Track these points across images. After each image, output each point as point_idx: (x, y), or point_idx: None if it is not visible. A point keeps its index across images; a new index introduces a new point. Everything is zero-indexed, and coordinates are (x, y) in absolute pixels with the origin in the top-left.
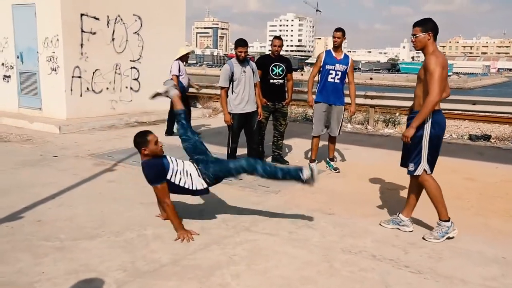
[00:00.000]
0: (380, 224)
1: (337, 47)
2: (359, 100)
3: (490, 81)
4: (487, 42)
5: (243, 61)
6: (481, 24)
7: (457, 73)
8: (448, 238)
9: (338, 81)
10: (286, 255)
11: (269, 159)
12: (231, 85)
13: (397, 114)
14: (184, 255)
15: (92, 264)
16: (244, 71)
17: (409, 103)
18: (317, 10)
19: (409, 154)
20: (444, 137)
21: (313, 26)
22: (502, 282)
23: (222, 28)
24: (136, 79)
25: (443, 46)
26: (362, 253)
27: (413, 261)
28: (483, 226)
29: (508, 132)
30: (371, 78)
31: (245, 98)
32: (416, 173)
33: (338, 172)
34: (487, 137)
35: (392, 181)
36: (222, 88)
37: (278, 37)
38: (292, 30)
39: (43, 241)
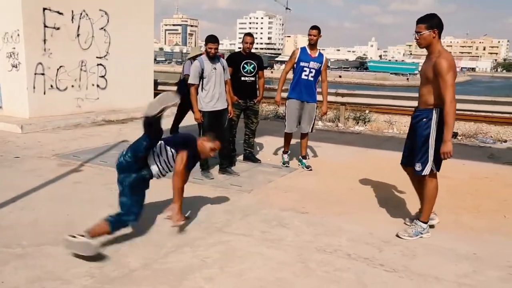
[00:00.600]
0: (405, 223)
1: (312, 45)
2: (330, 98)
3: None
4: (451, 42)
5: (214, 58)
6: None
7: None
8: (421, 237)
9: (312, 78)
10: (260, 256)
11: (240, 158)
12: (201, 82)
13: (367, 111)
14: (155, 258)
15: (57, 271)
16: (215, 68)
17: (379, 101)
18: (286, 8)
19: (416, 154)
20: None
21: (282, 24)
22: (474, 279)
23: (191, 25)
24: (103, 77)
25: (410, 45)
26: (337, 252)
27: (388, 259)
28: (455, 223)
29: (473, 129)
30: (340, 76)
31: (215, 96)
32: (424, 173)
33: (311, 170)
34: (454, 134)
35: (365, 179)
36: (192, 85)
37: (249, 34)
38: (261, 28)
39: (2, 248)
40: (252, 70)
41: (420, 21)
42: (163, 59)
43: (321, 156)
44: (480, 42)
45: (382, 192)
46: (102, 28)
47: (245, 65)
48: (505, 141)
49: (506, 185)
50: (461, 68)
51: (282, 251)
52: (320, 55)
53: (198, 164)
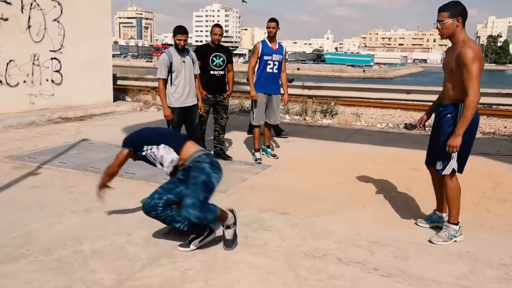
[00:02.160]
0: (416, 224)
1: (272, 37)
2: (297, 91)
3: (408, 71)
4: (403, 34)
5: (183, 50)
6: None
7: (378, 63)
8: (455, 241)
9: (276, 71)
10: (246, 264)
11: None
12: (169, 76)
13: (332, 104)
14: (130, 273)
15: None
16: (184, 61)
17: (346, 93)
18: (243, 1)
19: (438, 152)
20: (381, 127)
21: (239, 17)
22: (473, 280)
23: (147, 18)
24: (57, 71)
25: (364, 38)
26: (327, 256)
27: (381, 263)
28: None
29: None
30: (298, 69)
31: (185, 91)
32: (445, 172)
33: (277, 158)
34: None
35: (341, 174)
36: (160, 79)
37: (218, 25)
38: (218, 21)
39: None
40: (222, 64)
41: (442, 9)
42: (118, 53)
43: (293, 151)
44: (430, 34)
45: (360, 188)
46: (55, 19)
47: (214, 58)
48: None
49: (482, 177)
50: (414, 59)
51: (269, 258)
52: (280, 46)
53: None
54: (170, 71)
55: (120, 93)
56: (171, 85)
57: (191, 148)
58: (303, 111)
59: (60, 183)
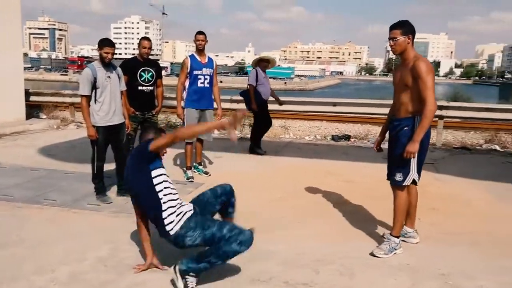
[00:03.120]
0: (383, 236)
1: (201, 51)
2: (226, 105)
3: (326, 83)
4: (321, 48)
5: (108, 65)
6: (316, 31)
7: (298, 75)
8: (395, 254)
9: (208, 85)
10: None
11: None
12: (93, 93)
13: None
14: None
15: None
16: (109, 77)
17: (274, 107)
18: (163, 13)
19: (396, 163)
20: (309, 139)
21: (160, 29)
22: None
23: (60, 29)
24: None
25: (284, 51)
26: (272, 280)
27: (328, 282)
28: (377, 231)
29: (362, 130)
30: (221, 81)
31: (111, 109)
32: (405, 183)
33: (209, 175)
34: (347, 137)
35: (276, 190)
36: (83, 96)
37: (146, 38)
38: (138, 33)
39: None
40: (150, 79)
41: (394, 27)
42: (29, 65)
43: (225, 167)
44: (345, 48)
45: (298, 203)
46: None
47: (142, 73)
48: None
49: None
50: (331, 72)
51: (213, 285)
52: (210, 59)
53: (92, 188)
54: (94, 87)
55: (33, 110)
56: (95, 102)
57: None
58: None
59: None
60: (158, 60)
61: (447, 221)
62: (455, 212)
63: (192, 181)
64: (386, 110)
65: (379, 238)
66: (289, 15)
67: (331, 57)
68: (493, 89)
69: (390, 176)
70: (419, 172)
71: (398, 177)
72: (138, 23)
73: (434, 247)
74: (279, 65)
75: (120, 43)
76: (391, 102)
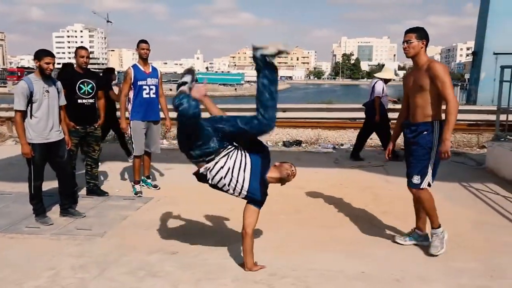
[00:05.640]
0: (395, 241)
1: (145, 60)
2: (175, 114)
3: None
4: None
5: (48, 78)
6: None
7: (248, 81)
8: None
9: (153, 95)
10: None
11: (83, 192)
12: (29, 107)
13: None
14: None
15: None
16: (47, 91)
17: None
18: (108, 21)
19: (414, 166)
20: None
21: (105, 38)
22: None
23: None
24: None
25: (233, 57)
26: None
27: None
28: (332, 240)
29: (313, 135)
30: (170, 89)
31: (49, 125)
32: (422, 186)
33: (159, 189)
34: (298, 142)
35: (228, 202)
36: (17, 111)
37: (83, 47)
38: (82, 42)
39: None
40: (91, 91)
41: (410, 30)
42: None
43: (175, 180)
44: (294, 53)
45: None
46: None
47: (81, 86)
48: (342, 145)
49: (361, 190)
50: (281, 77)
51: None
52: (154, 69)
53: (31, 209)
54: (30, 101)
55: None
56: (31, 117)
57: None
58: None
59: None
60: (113, 68)
61: (399, 224)
62: (406, 214)
63: (141, 196)
64: (336, 114)
65: (335, 246)
66: (236, 21)
67: (280, 62)
68: None
69: (409, 179)
70: (434, 175)
71: (416, 179)
72: (81, 31)
73: (387, 252)
74: (228, 71)
75: (64, 53)
76: (340, 106)
